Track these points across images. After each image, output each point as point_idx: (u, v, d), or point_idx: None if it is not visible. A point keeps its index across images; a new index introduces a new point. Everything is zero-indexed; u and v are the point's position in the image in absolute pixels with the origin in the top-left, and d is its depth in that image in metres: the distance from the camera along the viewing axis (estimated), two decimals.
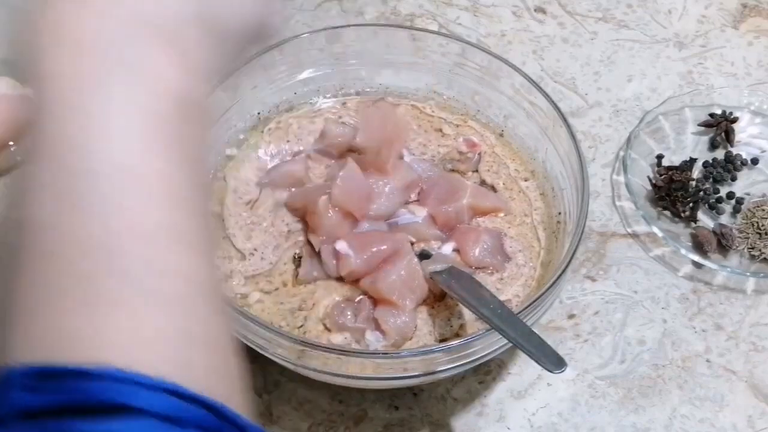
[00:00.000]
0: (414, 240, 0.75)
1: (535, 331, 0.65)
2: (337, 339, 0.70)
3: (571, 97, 0.93)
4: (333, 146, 0.80)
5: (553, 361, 0.63)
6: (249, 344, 0.69)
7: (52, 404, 0.35)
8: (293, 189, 0.77)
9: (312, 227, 0.75)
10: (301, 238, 0.76)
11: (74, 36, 0.40)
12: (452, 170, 0.80)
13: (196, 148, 0.42)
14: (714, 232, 0.82)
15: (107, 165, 0.39)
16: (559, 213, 0.77)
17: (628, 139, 0.87)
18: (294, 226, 0.76)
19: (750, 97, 0.91)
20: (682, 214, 0.83)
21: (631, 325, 0.79)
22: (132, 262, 0.38)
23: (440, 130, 0.82)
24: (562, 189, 0.77)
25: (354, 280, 0.73)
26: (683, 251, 0.81)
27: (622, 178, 0.85)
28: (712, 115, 0.89)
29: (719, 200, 0.85)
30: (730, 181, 0.86)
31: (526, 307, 0.67)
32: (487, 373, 0.75)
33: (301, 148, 0.81)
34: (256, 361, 0.75)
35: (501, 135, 0.82)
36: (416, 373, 0.67)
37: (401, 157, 0.79)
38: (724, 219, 0.84)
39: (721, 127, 0.89)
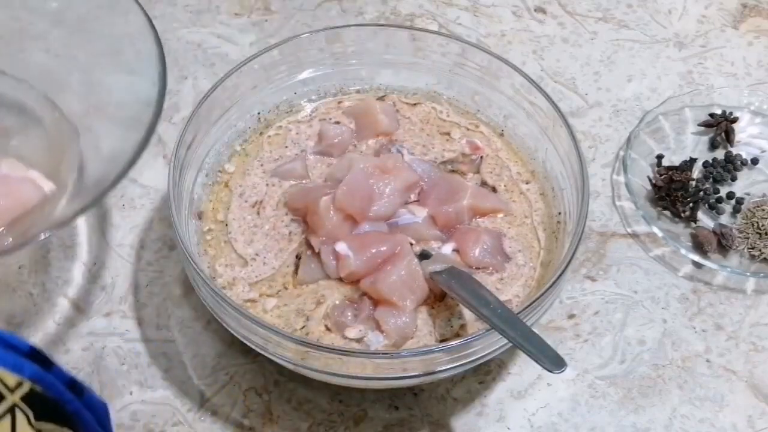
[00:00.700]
0: (414, 241, 0.75)
1: (535, 331, 0.65)
2: (352, 333, 0.70)
3: (571, 97, 0.93)
4: (332, 146, 0.80)
5: (553, 361, 0.63)
6: (249, 344, 0.69)
7: None
8: (297, 181, 0.78)
9: (312, 227, 0.75)
10: (302, 239, 0.76)
11: None
12: (453, 171, 0.80)
13: None
14: (714, 232, 0.82)
15: None
16: (559, 213, 0.77)
17: (628, 139, 0.87)
18: (294, 228, 0.76)
19: (750, 97, 0.91)
20: (682, 214, 0.83)
21: (631, 325, 0.79)
22: None
23: (448, 134, 0.82)
24: (562, 189, 0.77)
25: (354, 281, 0.73)
26: (683, 251, 0.81)
27: (622, 178, 0.85)
28: (712, 115, 0.89)
29: (719, 200, 0.85)
30: (730, 181, 0.86)
31: (526, 307, 0.67)
32: (487, 373, 0.76)
33: (302, 151, 0.81)
34: (256, 361, 0.75)
35: (501, 135, 0.82)
36: (416, 373, 0.67)
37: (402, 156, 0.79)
38: (724, 219, 0.84)
39: (721, 127, 0.89)
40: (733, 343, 0.78)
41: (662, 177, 0.84)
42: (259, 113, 0.82)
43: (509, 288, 0.74)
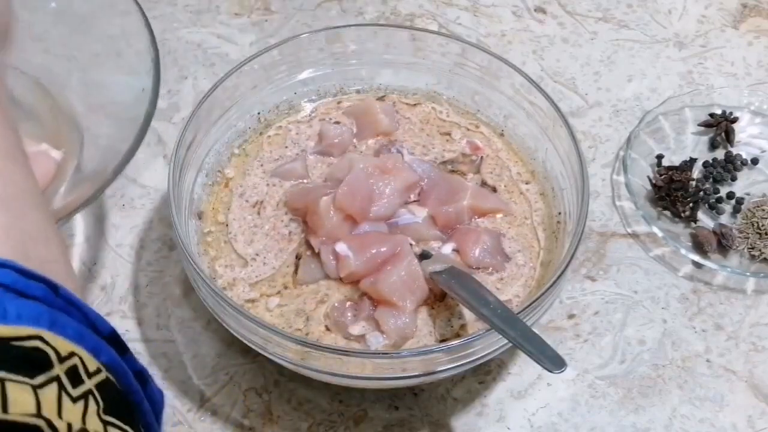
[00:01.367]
0: (414, 241, 0.75)
1: (535, 331, 0.65)
2: (355, 330, 0.70)
3: (571, 97, 0.93)
4: (332, 146, 0.80)
5: (553, 361, 0.63)
6: (249, 344, 0.69)
7: None
8: (297, 181, 0.78)
9: (312, 227, 0.75)
10: (302, 239, 0.76)
11: None
12: (453, 171, 0.80)
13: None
14: (714, 232, 0.82)
15: None
16: (559, 213, 0.77)
17: (628, 139, 0.87)
18: (294, 228, 0.76)
19: (750, 97, 0.91)
20: (682, 214, 0.83)
21: (631, 325, 0.79)
22: None
23: (448, 134, 0.82)
24: (562, 189, 0.77)
25: (354, 281, 0.73)
26: (683, 251, 0.81)
27: (622, 178, 0.85)
28: (712, 115, 0.89)
29: (719, 200, 0.85)
30: (730, 181, 0.86)
31: (526, 307, 0.67)
32: (487, 373, 0.75)
33: (302, 151, 0.81)
34: (256, 361, 0.75)
35: (501, 135, 0.82)
36: (416, 373, 0.67)
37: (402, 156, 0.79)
38: (724, 219, 0.84)
39: (721, 127, 0.89)
40: (733, 343, 0.78)
41: (662, 177, 0.84)
42: (259, 113, 0.82)
43: (509, 288, 0.74)
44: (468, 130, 0.82)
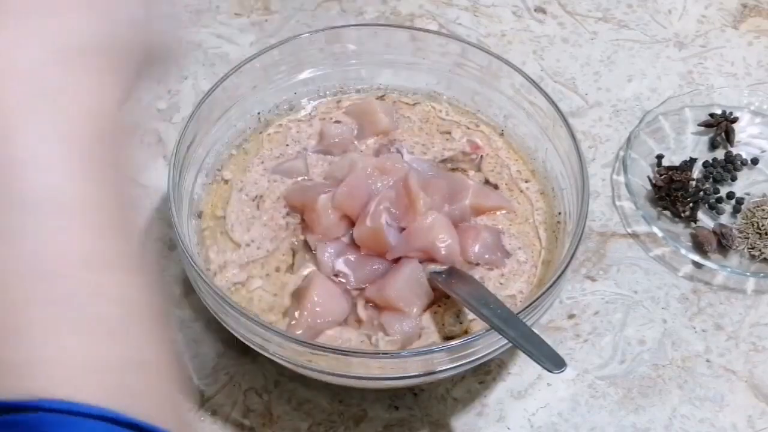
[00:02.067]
0: None
1: (535, 331, 0.65)
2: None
3: (571, 97, 0.93)
4: (333, 146, 0.80)
5: (553, 361, 0.63)
6: (249, 344, 0.69)
7: None
8: (299, 178, 0.79)
9: (309, 225, 0.75)
10: (298, 231, 0.76)
11: None
12: (453, 169, 0.80)
13: (118, 167, 0.43)
14: (714, 232, 0.82)
15: (35, 193, 0.38)
16: (559, 213, 0.77)
17: (628, 139, 0.87)
18: (291, 221, 0.76)
19: (750, 97, 0.91)
20: (682, 214, 0.83)
21: (631, 325, 0.79)
22: (64, 289, 0.38)
23: (448, 133, 0.82)
24: (562, 189, 0.77)
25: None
26: (683, 251, 0.81)
27: (622, 178, 0.85)
28: (712, 115, 0.89)
29: (719, 200, 0.85)
30: (730, 181, 0.86)
31: (526, 307, 0.67)
32: (487, 373, 0.75)
33: (303, 149, 0.81)
34: (256, 361, 0.75)
35: (501, 135, 0.82)
36: (416, 373, 0.67)
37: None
38: (724, 219, 0.84)
39: (721, 127, 0.89)
40: (733, 343, 0.78)
41: (662, 177, 0.84)
42: (259, 113, 0.82)
43: (513, 284, 0.74)
44: (468, 128, 0.82)
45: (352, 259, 0.73)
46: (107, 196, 0.41)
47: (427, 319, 0.72)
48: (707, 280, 0.81)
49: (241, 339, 0.69)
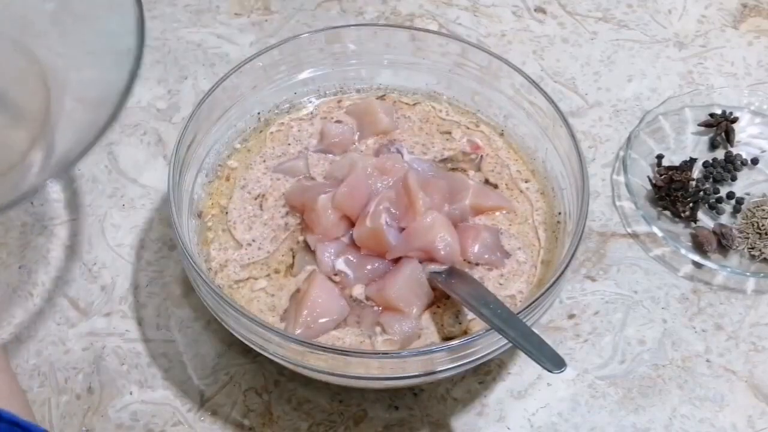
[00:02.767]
0: None
1: (535, 331, 0.65)
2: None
3: (571, 97, 0.93)
4: (333, 145, 0.80)
5: (553, 361, 0.63)
6: (249, 344, 0.69)
7: None
8: (298, 177, 0.79)
9: (309, 224, 0.75)
10: (297, 232, 0.76)
11: None
12: (453, 169, 0.80)
13: None
14: (714, 232, 0.82)
15: None
16: (559, 213, 0.77)
17: (628, 139, 0.87)
18: (291, 221, 0.76)
19: (750, 97, 0.91)
20: (682, 214, 0.83)
21: (631, 325, 0.79)
22: None
23: (448, 133, 0.82)
24: (562, 189, 0.77)
25: None
26: (683, 251, 0.81)
27: (622, 178, 0.85)
28: (712, 115, 0.89)
29: (719, 200, 0.85)
30: (730, 181, 0.86)
31: (526, 307, 0.67)
32: (487, 373, 0.76)
33: (304, 149, 0.81)
34: (256, 361, 0.75)
35: (501, 135, 0.82)
36: (416, 373, 0.67)
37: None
38: (724, 219, 0.84)
39: (721, 127, 0.89)
40: (733, 343, 0.78)
41: (662, 177, 0.84)
42: (259, 113, 0.82)
43: (512, 284, 0.74)
44: (468, 128, 0.82)
45: (352, 259, 0.73)
46: None
47: (426, 320, 0.72)
48: (707, 280, 0.81)
49: (241, 339, 0.69)
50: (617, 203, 0.86)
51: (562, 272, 0.69)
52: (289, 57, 0.82)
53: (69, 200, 0.84)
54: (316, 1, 0.99)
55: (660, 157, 0.86)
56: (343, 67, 0.84)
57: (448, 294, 0.72)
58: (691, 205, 0.83)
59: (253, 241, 0.75)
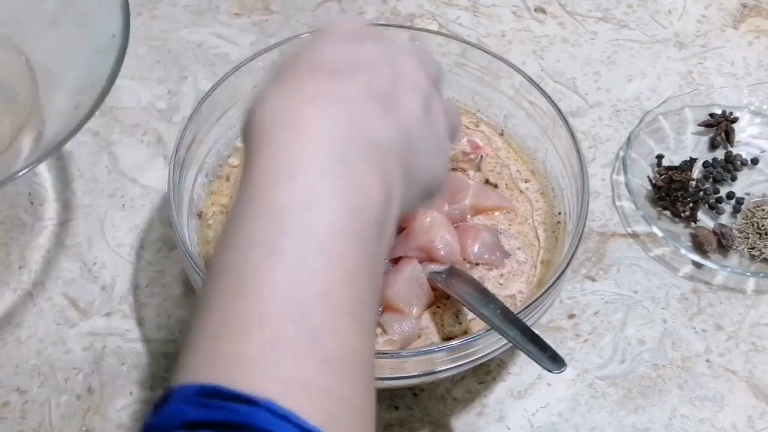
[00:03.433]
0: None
1: (535, 331, 0.65)
2: None
3: (571, 97, 0.93)
4: None
5: (553, 361, 0.63)
6: None
7: (213, 420, 0.39)
8: None
9: None
10: None
11: (303, 133, 0.47)
12: (453, 169, 0.80)
13: (378, 264, 0.49)
14: (714, 232, 0.82)
15: (310, 240, 0.44)
16: (559, 213, 0.77)
17: (628, 139, 0.87)
18: None
19: (750, 97, 0.91)
20: (682, 214, 0.83)
21: (631, 325, 0.79)
22: (313, 320, 0.43)
23: None
24: (562, 189, 0.77)
25: None
26: (683, 251, 0.81)
27: (622, 178, 0.85)
28: (712, 115, 0.89)
29: (719, 200, 0.85)
30: (730, 181, 0.86)
31: (526, 307, 0.67)
32: (487, 373, 0.75)
33: None
34: None
35: (501, 135, 0.82)
36: (416, 373, 0.67)
37: None
38: (724, 219, 0.84)
39: (721, 127, 0.89)
40: (733, 343, 0.78)
41: (662, 177, 0.84)
42: None
43: (512, 284, 0.74)
44: (468, 128, 0.82)
45: None
46: (360, 267, 0.46)
47: (426, 320, 0.72)
48: (707, 280, 0.81)
49: None
50: (617, 203, 0.86)
51: (562, 272, 0.69)
52: None
53: (69, 200, 0.84)
54: (316, 1, 0.99)
55: (660, 157, 0.86)
56: None
57: (448, 294, 0.72)
58: (691, 205, 0.83)
59: None
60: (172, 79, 0.93)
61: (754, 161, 0.88)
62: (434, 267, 0.72)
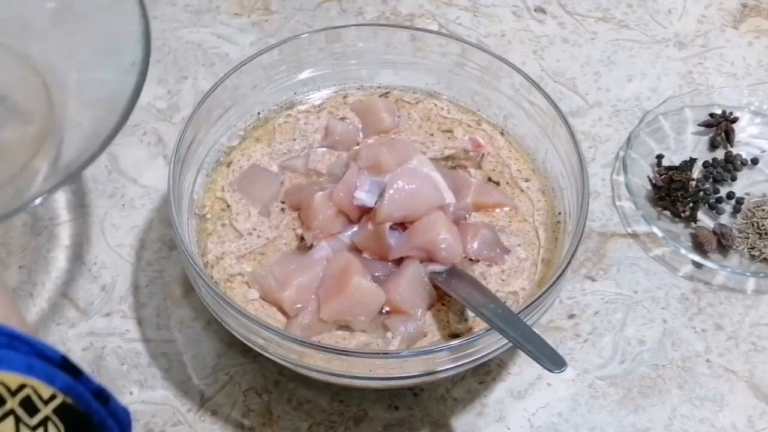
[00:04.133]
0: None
1: (535, 331, 0.65)
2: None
3: (571, 97, 0.93)
4: (337, 143, 0.80)
5: (553, 361, 0.63)
6: (249, 344, 0.69)
7: None
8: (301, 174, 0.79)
9: (306, 222, 0.75)
10: (296, 224, 0.76)
11: None
12: (455, 167, 0.80)
13: None
14: (714, 232, 0.82)
15: None
16: (559, 213, 0.77)
17: (628, 139, 0.87)
18: (290, 215, 0.77)
19: (750, 97, 0.91)
20: (682, 214, 0.83)
21: (631, 325, 0.79)
22: None
23: (450, 131, 0.82)
24: (562, 189, 0.77)
25: None
26: (683, 251, 0.81)
27: (622, 178, 0.85)
28: (712, 115, 0.89)
29: (719, 200, 0.85)
30: (730, 181, 0.86)
31: (526, 307, 0.67)
32: (487, 373, 0.75)
33: (308, 147, 0.81)
34: (256, 361, 0.75)
35: (502, 133, 0.82)
36: (416, 373, 0.67)
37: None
38: (724, 219, 0.84)
39: (721, 127, 0.89)
40: (733, 343, 0.78)
41: (662, 177, 0.84)
42: (259, 113, 0.82)
43: (515, 281, 0.74)
44: (470, 126, 0.82)
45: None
46: None
47: (431, 318, 0.72)
48: (707, 280, 0.81)
49: (241, 339, 0.69)
50: (617, 203, 0.86)
51: (563, 272, 0.69)
52: (289, 57, 0.82)
53: (69, 200, 0.84)
54: (316, 1, 0.99)
55: (660, 157, 0.86)
56: (343, 67, 0.84)
57: (449, 294, 0.72)
58: (691, 205, 0.83)
59: (254, 229, 0.76)
60: (172, 79, 0.93)
61: (754, 161, 0.88)
62: (435, 267, 0.72)
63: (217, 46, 0.96)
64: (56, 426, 0.43)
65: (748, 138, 0.89)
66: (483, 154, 0.81)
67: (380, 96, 0.84)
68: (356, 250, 0.73)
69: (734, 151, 0.88)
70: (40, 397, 0.43)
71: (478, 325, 0.71)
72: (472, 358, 0.67)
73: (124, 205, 0.84)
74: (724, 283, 0.81)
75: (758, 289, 0.81)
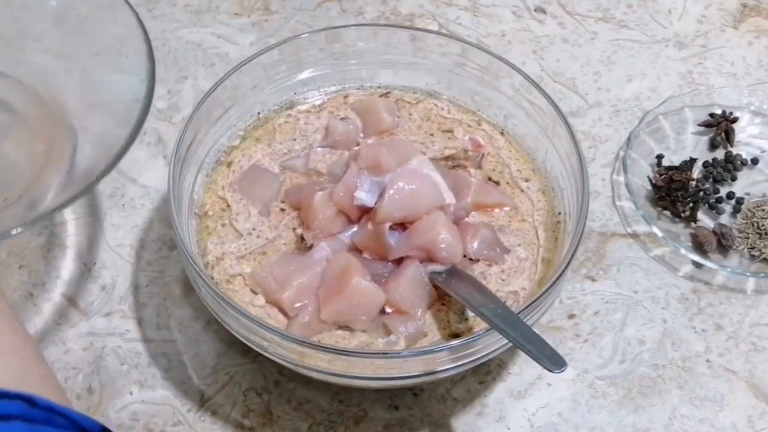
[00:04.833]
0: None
1: (535, 331, 0.65)
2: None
3: (571, 97, 0.93)
4: (337, 142, 0.80)
5: (553, 361, 0.63)
6: (249, 344, 0.69)
7: None
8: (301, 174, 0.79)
9: (305, 222, 0.75)
10: (297, 228, 0.76)
11: None
12: (455, 167, 0.80)
13: None
14: (714, 232, 0.82)
15: None
16: (559, 213, 0.77)
17: (628, 139, 0.87)
18: (290, 214, 0.77)
19: (750, 97, 0.91)
20: (682, 214, 0.83)
21: (631, 325, 0.79)
22: None
23: (450, 131, 0.82)
24: (562, 189, 0.77)
25: None
26: (683, 251, 0.81)
27: (622, 178, 0.85)
28: (712, 115, 0.89)
29: (719, 200, 0.85)
30: (730, 181, 0.86)
31: (526, 307, 0.67)
32: (487, 373, 0.76)
33: (308, 146, 0.81)
34: (256, 361, 0.75)
35: (502, 133, 0.82)
36: (416, 373, 0.67)
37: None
38: (724, 219, 0.84)
39: (721, 127, 0.89)
40: (733, 343, 0.78)
41: (662, 177, 0.84)
42: (259, 113, 0.82)
43: (515, 280, 0.74)
44: (470, 126, 0.82)
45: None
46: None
47: (431, 318, 0.72)
48: (707, 280, 0.81)
49: (241, 339, 0.69)
50: (617, 203, 0.86)
51: (563, 272, 0.69)
52: (289, 57, 0.82)
53: None
54: (316, 1, 0.99)
55: (660, 157, 0.86)
56: (343, 67, 0.84)
57: (449, 294, 0.72)
58: (691, 205, 0.83)
59: (253, 229, 0.76)
60: (172, 79, 0.93)
61: (754, 161, 0.88)
62: (435, 267, 0.72)
63: (217, 46, 0.96)
64: None
65: (748, 138, 0.89)
66: (483, 154, 0.81)
67: (380, 96, 0.84)
68: (356, 250, 0.73)
69: (734, 151, 0.88)
70: None
71: (478, 325, 0.71)
72: (472, 358, 0.67)
73: (124, 205, 0.84)
74: (724, 283, 0.81)
75: (758, 289, 0.81)
